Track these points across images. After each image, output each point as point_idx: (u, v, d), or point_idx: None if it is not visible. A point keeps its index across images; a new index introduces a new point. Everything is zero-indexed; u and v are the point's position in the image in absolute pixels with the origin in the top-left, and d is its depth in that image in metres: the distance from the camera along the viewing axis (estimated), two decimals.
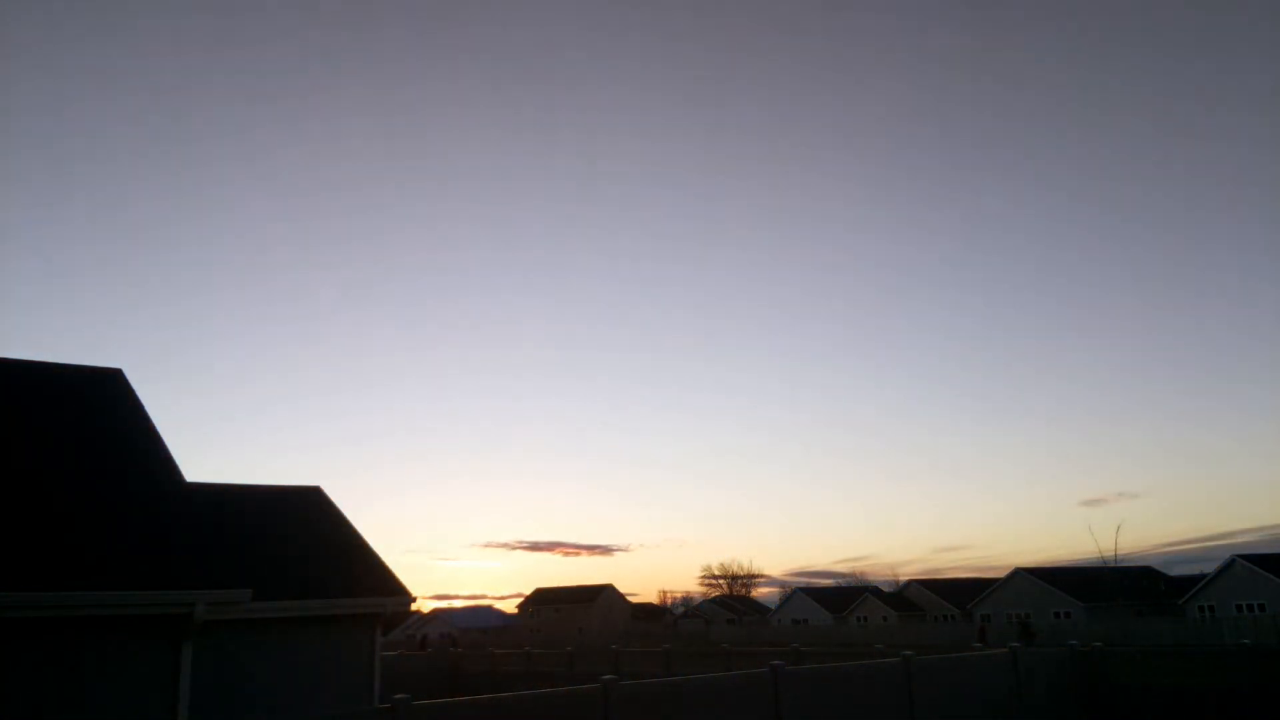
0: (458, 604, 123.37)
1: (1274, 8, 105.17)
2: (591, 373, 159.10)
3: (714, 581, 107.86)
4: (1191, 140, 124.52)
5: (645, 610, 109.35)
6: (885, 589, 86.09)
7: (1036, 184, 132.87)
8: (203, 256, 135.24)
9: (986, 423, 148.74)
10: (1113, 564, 66.69)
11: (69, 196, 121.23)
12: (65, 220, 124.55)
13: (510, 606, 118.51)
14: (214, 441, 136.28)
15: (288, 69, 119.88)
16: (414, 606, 16.04)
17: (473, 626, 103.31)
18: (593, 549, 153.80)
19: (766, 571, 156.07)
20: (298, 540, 15.56)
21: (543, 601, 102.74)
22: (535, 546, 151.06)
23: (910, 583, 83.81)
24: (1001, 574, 69.05)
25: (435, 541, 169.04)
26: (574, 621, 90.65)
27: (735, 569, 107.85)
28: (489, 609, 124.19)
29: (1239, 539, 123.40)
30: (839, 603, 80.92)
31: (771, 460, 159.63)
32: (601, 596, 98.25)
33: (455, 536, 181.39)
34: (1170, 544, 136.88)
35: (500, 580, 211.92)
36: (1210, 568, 55.16)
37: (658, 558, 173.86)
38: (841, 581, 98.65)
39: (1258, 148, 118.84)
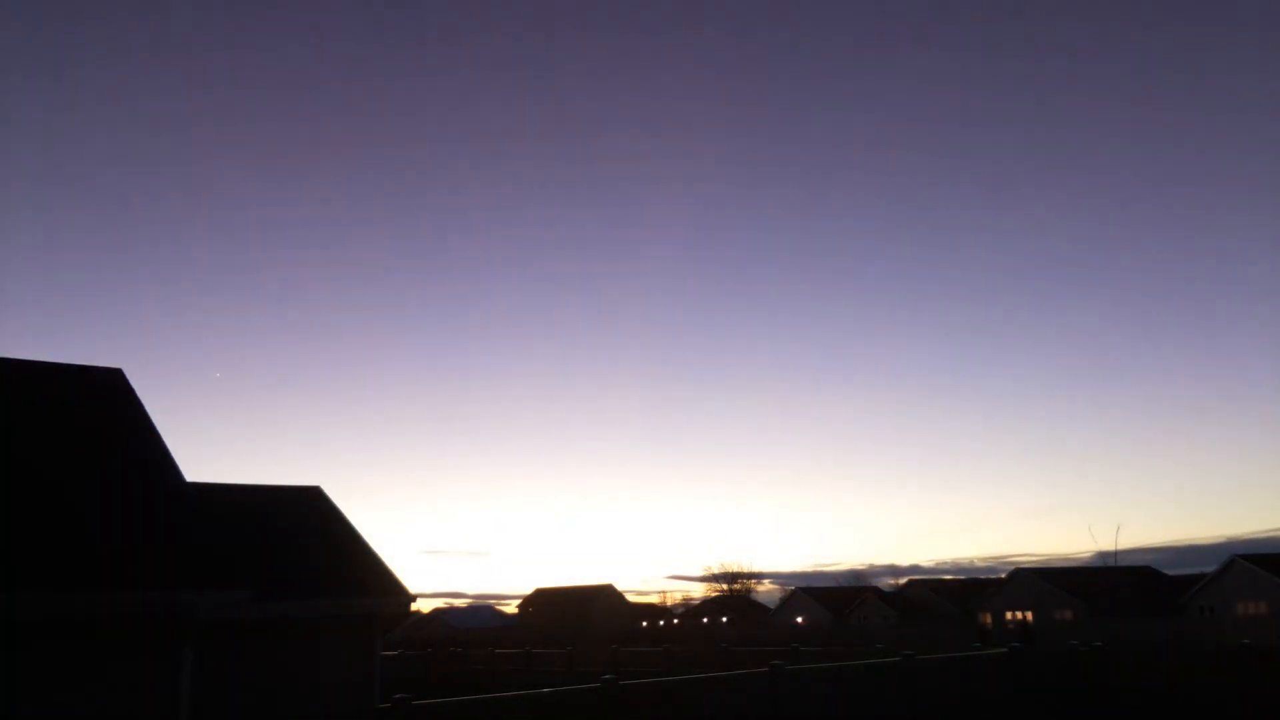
0: (459, 604, 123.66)
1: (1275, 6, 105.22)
2: (589, 371, 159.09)
3: (714, 582, 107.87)
4: (1195, 139, 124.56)
5: (646, 610, 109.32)
6: (885, 589, 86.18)
7: (1034, 181, 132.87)
8: (203, 256, 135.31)
9: (986, 422, 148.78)
10: (1113, 564, 66.80)
11: (69, 196, 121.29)
12: (65, 220, 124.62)
13: (511, 606, 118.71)
14: (214, 441, 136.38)
15: (288, 67, 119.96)
16: (414, 606, 16.05)
17: (473, 626, 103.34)
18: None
19: (767, 571, 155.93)
20: (298, 540, 15.58)
21: (543, 601, 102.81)
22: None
23: (910, 583, 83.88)
24: (1001, 574, 69.16)
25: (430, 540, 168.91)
26: (574, 621, 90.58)
27: (736, 568, 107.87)
28: (489, 609, 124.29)
29: (1239, 538, 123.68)
30: (839, 603, 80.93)
31: (771, 459, 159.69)
32: (601, 596, 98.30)
33: (454, 536, 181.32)
34: (1170, 544, 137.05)
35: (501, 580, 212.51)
36: (1210, 568, 55.16)
37: (659, 557, 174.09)
38: (842, 581, 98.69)
39: (1260, 146, 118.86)
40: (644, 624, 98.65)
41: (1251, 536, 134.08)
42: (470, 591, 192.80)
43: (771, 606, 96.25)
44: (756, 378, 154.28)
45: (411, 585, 15.23)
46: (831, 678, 13.73)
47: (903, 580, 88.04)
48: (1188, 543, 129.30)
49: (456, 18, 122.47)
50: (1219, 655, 19.61)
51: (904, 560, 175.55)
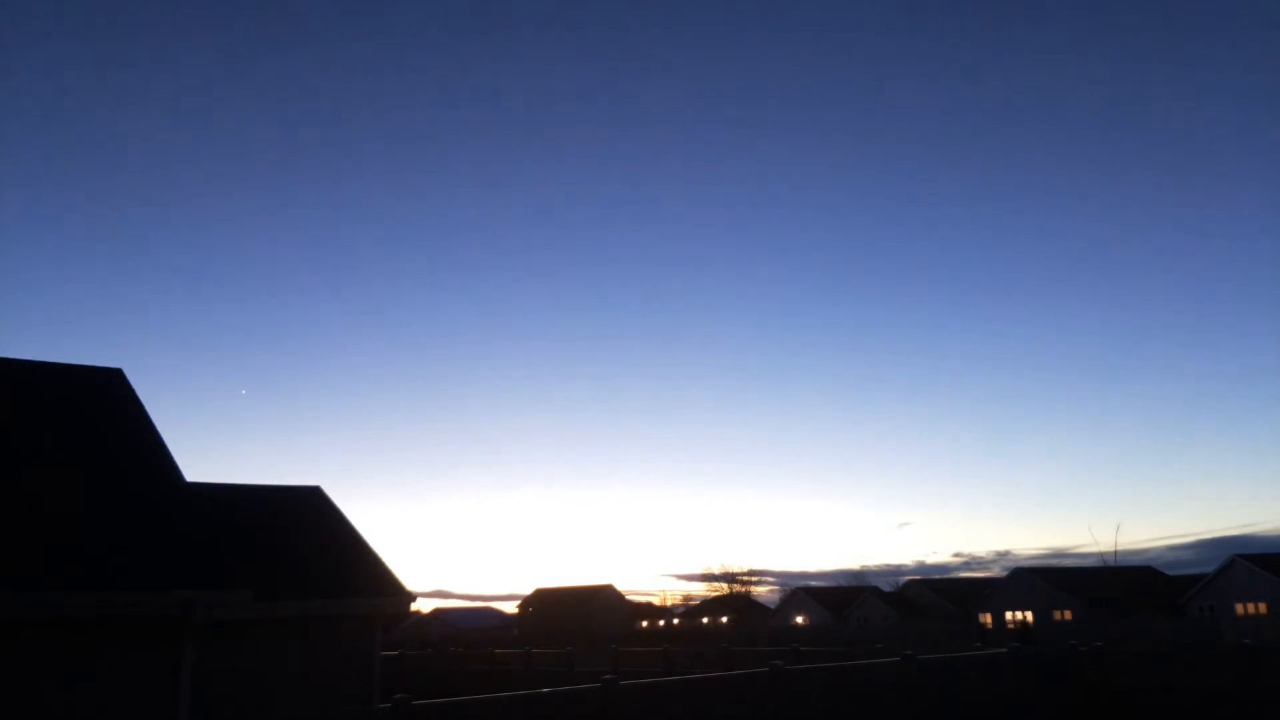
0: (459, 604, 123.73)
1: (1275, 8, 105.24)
2: (589, 371, 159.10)
3: (715, 582, 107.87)
4: (1192, 136, 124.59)
5: (645, 610, 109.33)
6: (885, 589, 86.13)
7: (1030, 181, 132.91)
8: (203, 256, 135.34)
9: (986, 422, 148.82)
10: (1113, 564, 66.81)
11: (69, 196, 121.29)
12: (65, 220, 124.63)
13: (510, 607, 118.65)
14: (214, 441, 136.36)
15: (288, 67, 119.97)
16: (414, 607, 16.05)
17: (473, 626, 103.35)
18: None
19: (767, 570, 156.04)
20: (298, 540, 15.57)
21: (543, 601, 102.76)
22: None
23: (910, 583, 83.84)
24: (1001, 574, 69.10)
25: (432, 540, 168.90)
26: (574, 621, 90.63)
27: (736, 568, 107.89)
28: (489, 609, 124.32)
29: (1240, 535, 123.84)
30: (839, 602, 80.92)
31: (772, 459, 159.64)
32: (601, 596, 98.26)
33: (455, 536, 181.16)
34: (1171, 541, 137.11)
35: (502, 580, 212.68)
36: (1210, 568, 55.18)
37: (658, 557, 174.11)
38: (842, 581, 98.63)
39: (1260, 143, 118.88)
40: (644, 624, 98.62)
41: (1253, 533, 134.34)
42: (470, 592, 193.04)
43: (771, 606, 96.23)
44: (757, 377, 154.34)
45: (411, 585, 15.24)
46: (831, 677, 13.72)
47: (902, 580, 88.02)
48: (1188, 539, 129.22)
49: (464, 19, 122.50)
50: (1219, 655, 19.60)
51: (904, 559, 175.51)
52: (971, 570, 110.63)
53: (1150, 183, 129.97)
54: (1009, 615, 60.84)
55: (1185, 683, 15.84)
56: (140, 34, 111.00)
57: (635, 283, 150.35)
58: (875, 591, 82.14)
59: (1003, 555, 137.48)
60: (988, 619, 61.90)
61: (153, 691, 8.66)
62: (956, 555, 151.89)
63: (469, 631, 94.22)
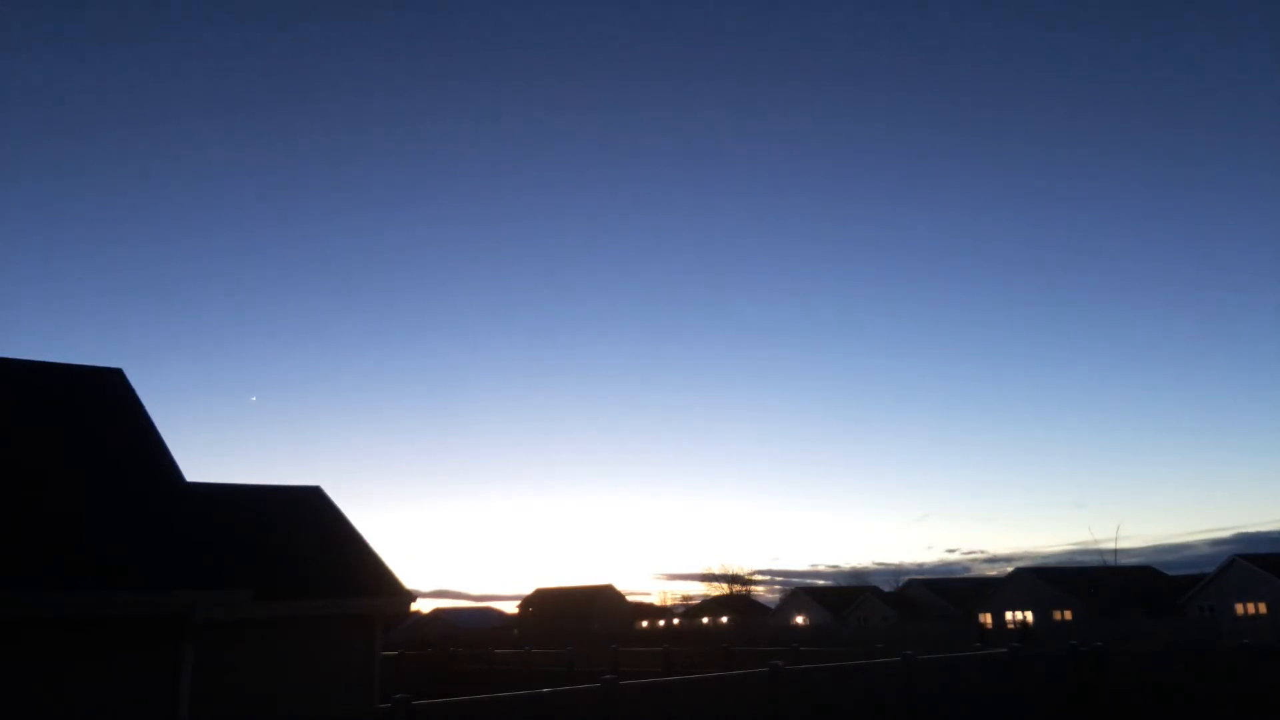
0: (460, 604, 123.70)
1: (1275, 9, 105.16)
2: (589, 372, 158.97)
3: (714, 582, 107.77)
4: (1193, 136, 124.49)
5: (645, 610, 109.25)
6: (885, 589, 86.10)
7: (1028, 176, 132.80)
8: (203, 256, 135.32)
9: (986, 421, 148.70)
10: (1113, 564, 66.80)
11: (69, 196, 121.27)
12: (65, 220, 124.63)
13: (510, 607, 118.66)
14: (214, 442, 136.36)
15: (287, 67, 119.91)
16: (414, 606, 16.03)
17: (473, 626, 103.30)
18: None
19: (767, 570, 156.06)
20: (297, 540, 15.56)
21: (543, 601, 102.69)
22: None
23: (910, 582, 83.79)
24: (1002, 574, 69.06)
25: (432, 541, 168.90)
26: (574, 621, 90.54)
27: (736, 568, 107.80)
28: (489, 609, 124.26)
29: (1242, 532, 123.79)
30: (839, 603, 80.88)
31: (772, 459, 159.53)
32: (601, 596, 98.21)
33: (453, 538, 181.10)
34: (1171, 538, 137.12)
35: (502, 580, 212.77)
36: (1210, 567, 55.18)
37: (658, 557, 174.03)
38: (842, 581, 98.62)
39: (1259, 143, 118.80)
40: (644, 624, 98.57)
41: (1254, 531, 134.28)
42: (470, 592, 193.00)
43: (771, 606, 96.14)
44: (757, 377, 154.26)
45: (412, 585, 15.23)
46: (831, 677, 13.72)
47: (903, 580, 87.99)
48: (1188, 538, 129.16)
49: (462, 23, 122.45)
50: (1219, 655, 19.59)
51: (904, 560, 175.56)
52: (996, 567, 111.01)
53: (1149, 180, 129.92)
54: (1009, 615, 60.84)
55: (1185, 683, 15.83)
56: (142, 34, 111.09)
57: (635, 284, 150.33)
58: (875, 592, 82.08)
59: (1027, 554, 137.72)
60: (988, 619, 61.89)
61: (153, 691, 8.65)
62: (980, 552, 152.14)
63: (469, 631, 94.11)
